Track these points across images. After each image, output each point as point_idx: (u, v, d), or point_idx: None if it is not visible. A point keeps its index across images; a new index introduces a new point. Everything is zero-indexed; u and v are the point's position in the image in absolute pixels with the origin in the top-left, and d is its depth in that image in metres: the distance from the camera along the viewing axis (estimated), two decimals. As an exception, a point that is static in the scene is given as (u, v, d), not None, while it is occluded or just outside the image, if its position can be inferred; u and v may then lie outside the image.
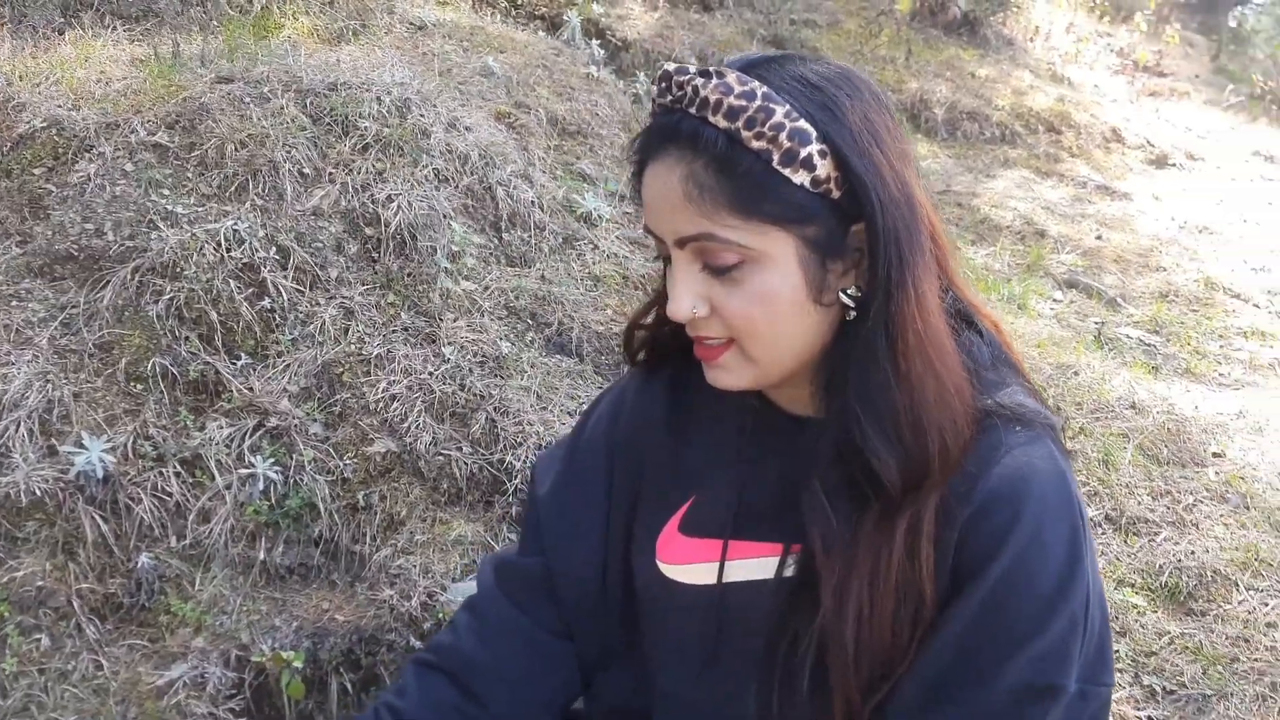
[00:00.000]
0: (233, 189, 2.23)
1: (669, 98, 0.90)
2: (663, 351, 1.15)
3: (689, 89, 0.87)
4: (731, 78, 0.86)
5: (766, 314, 0.90)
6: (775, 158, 0.85)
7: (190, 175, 2.24)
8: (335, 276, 2.21)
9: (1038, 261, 4.16)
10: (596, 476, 1.18)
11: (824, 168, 0.86)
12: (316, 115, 2.44)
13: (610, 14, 5.05)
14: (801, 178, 0.86)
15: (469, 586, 1.96)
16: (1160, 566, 2.31)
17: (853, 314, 0.91)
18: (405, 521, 1.99)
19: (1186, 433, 2.87)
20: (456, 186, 2.52)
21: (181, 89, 2.41)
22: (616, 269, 2.64)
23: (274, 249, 2.17)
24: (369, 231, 2.30)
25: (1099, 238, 4.67)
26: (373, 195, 2.33)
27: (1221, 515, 2.53)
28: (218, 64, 2.58)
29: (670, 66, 0.90)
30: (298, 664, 1.75)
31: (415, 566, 1.91)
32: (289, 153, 2.30)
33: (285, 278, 2.15)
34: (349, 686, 1.83)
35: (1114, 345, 3.56)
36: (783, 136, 0.85)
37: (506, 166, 2.70)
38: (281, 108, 2.39)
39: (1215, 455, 2.83)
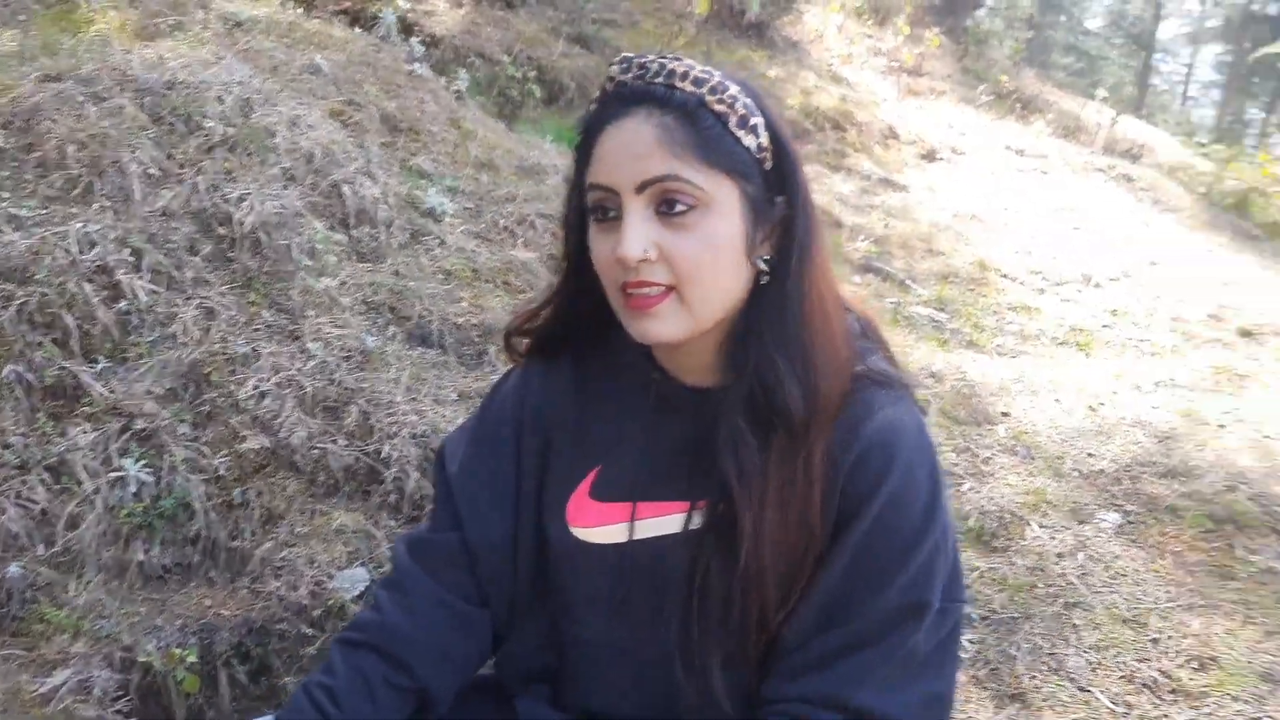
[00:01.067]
0: (78, 190, 2.17)
1: (631, 74, 1.05)
2: (556, 345, 1.25)
3: (654, 65, 1.04)
4: (690, 60, 1.04)
5: (711, 259, 1.04)
6: (732, 121, 1.02)
7: (30, 177, 2.16)
8: (192, 277, 2.19)
9: (837, 249, 4.51)
10: (505, 452, 1.26)
11: (764, 138, 1.04)
12: (156, 114, 2.39)
13: (417, 10, 5.07)
14: (750, 141, 1.03)
15: (356, 573, 2.02)
16: (966, 512, 2.63)
17: (765, 279, 1.07)
18: (284, 515, 2.01)
19: (978, 396, 3.24)
20: (304, 185, 2.53)
21: (8, 88, 2.31)
22: (466, 263, 2.72)
23: (127, 250, 2.13)
24: (222, 231, 2.29)
25: (886, 226, 5.10)
26: (224, 195, 2.32)
27: (1012, 465, 2.89)
28: (39, 61, 2.48)
29: (629, 54, 1.06)
30: (190, 659, 1.77)
31: (300, 558, 1.95)
32: (133, 153, 2.26)
33: (141, 279, 2.12)
34: (241, 678, 1.85)
35: (909, 322, 3.93)
36: (739, 105, 1.03)
37: (349, 164, 2.72)
38: (120, 107, 2.33)
39: (1003, 415, 3.21)
